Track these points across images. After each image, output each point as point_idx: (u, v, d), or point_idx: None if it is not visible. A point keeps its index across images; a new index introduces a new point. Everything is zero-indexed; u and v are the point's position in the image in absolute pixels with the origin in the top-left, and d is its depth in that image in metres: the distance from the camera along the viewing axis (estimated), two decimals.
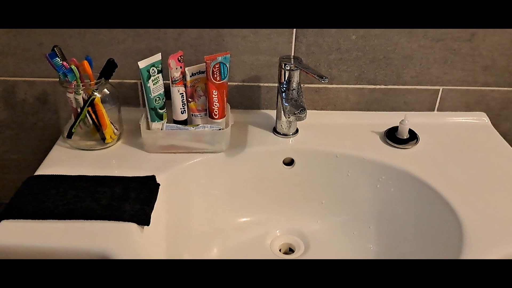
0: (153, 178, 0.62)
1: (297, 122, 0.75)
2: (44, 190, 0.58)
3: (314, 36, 0.74)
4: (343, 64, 0.77)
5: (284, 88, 0.70)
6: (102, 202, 0.57)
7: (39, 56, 0.74)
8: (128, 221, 0.55)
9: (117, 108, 0.70)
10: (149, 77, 0.67)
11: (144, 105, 0.79)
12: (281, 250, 0.72)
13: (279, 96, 0.72)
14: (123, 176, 0.62)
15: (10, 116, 0.80)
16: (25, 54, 0.74)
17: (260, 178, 0.74)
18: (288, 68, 0.69)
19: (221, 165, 0.71)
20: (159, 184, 0.62)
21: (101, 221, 0.54)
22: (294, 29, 0.73)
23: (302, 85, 0.75)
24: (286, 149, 0.74)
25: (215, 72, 0.69)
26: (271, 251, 0.71)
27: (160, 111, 0.71)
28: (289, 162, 0.74)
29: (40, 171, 0.64)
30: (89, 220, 0.54)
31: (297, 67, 0.68)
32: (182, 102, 0.72)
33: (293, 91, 0.69)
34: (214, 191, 0.71)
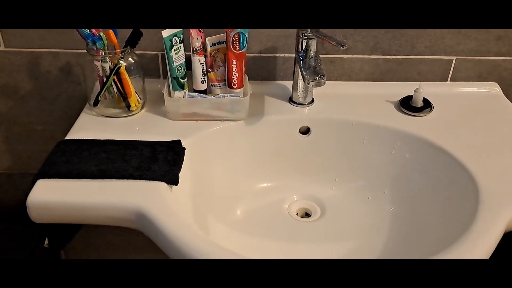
0: (178, 142, 0.65)
1: (313, 92, 0.77)
2: (76, 152, 0.61)
3: None
4: (358, 35, 0.78)
5: (302, 57, 0.72)
6: (133, 163, 0.59)
7: None
8: (158, 180, 0.57)
9: (141, 77, 0.72)
10: (171, 46, 0.69)
11: (164, 77, 0.82)
12: (298, 214, 0.75)
13: (296, 65, 0.74)
14: (150, 141, 0.65)
15: (35, 87, 0.83)
16: None
17: (278, 145, 0.76)
18: (306, 36, 0.70)
19: (240, 133, 0.73)
20: (184, 148, 0.64)
21: (133, 180, 0.57)
22: None
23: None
24: (302, 118, 0.76)
25: (234, 42, 0.71)
26: (289, 214, 0.74)
27: (181, 80, 0.73)
28: (305, 131, 0.77)
29: (70, 136, 0.66)
30: (122, 179, 0.57)
31: (315, 36, 0.70)
32: (203, 72, 0.74)
33: (311, 59, 0.71)
34: (234, 157, 0.74)
